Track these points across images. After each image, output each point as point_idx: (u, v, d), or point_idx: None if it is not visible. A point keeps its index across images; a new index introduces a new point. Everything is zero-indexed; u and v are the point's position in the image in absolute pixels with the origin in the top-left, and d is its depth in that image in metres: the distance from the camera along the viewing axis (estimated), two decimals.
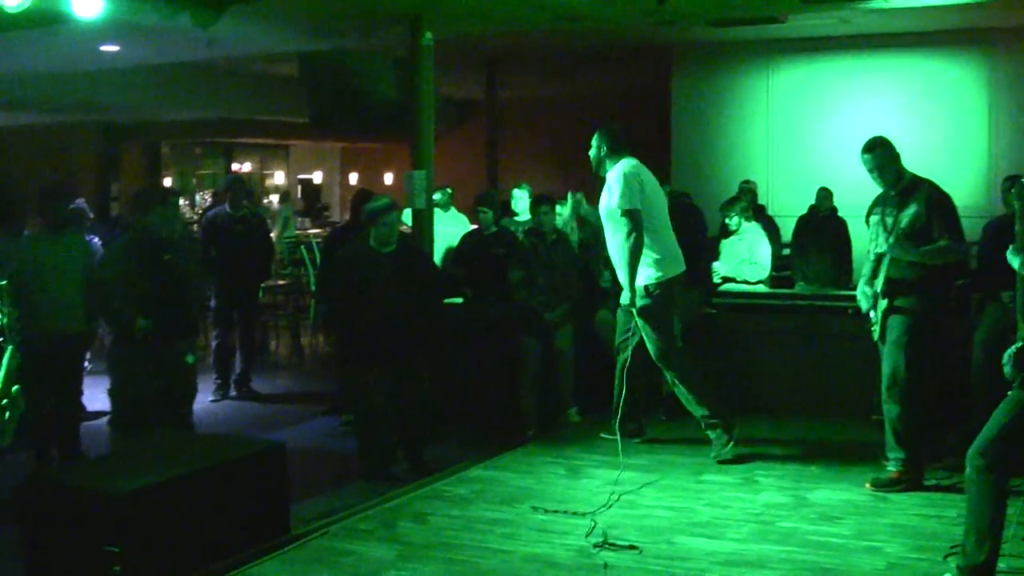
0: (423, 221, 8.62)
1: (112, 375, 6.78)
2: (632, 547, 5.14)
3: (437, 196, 9.28)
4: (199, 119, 18.79)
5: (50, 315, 6.75)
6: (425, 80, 8.57)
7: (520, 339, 7.78)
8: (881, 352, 6.10)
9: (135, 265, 6.53)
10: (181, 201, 13.07)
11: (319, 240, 12.75)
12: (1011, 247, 4.33)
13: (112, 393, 6.82)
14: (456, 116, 18.39)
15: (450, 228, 9.51)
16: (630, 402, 6.69)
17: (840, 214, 10.19)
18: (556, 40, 11.90)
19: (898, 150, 6.04)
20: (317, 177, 24.63)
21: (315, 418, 8.74)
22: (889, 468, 6.06)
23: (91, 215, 11.04)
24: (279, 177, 24.40)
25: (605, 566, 4.91)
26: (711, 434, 6.74)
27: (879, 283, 6.00)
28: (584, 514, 5.64)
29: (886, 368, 6.01)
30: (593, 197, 7.90)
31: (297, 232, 17.01)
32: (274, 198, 21.56)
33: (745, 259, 8.69)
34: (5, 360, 3.16)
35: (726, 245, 8.89)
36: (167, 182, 21.23)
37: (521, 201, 9.27)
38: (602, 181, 6.86)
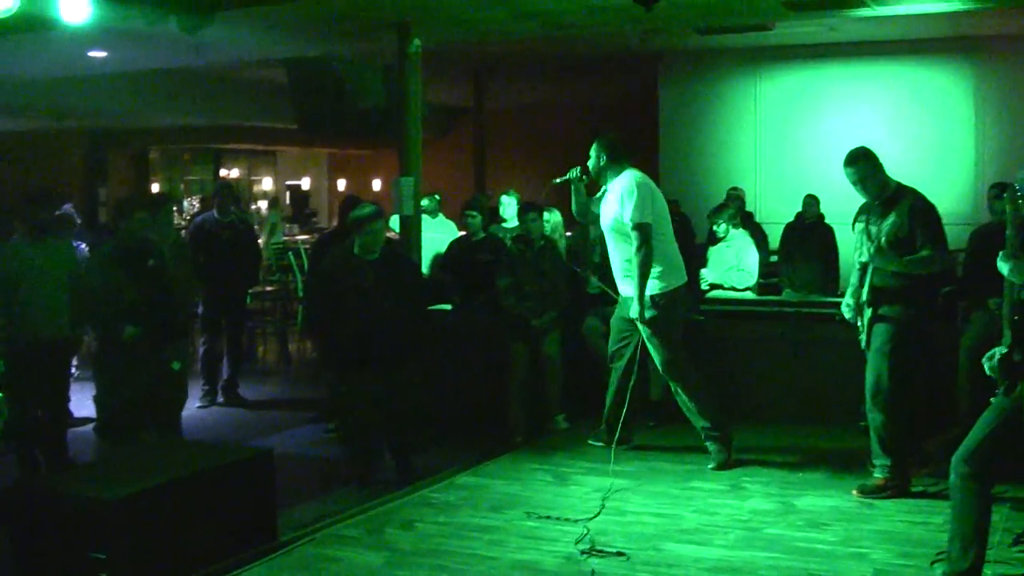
0: (411, 227, 8.63)
1: (98, 381, 6.77)
2: (620, 554, 5.14)
3: (425, 203, 9.30)
4: (187, 125, 18.75)
5: (36, 321, 6.72)
6: (413, 87, 8.58)
7: (508, 346, 7.78)
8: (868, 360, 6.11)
9: (119, 271, 6.52)
10: None
11: (307, 246, 12.75)
12: (1000, 253, 4.31)
13: (98, 400, 6.81)
14: (444, 123, 18.43)
15: (438, 234, 9.53)
16: (620, 411, 6.72)
17: (827, 221, 10.24)
18: (544, 48, 11.93)
19: (881, 159, 6.00)
20: (305, 183, 24.60)
21: (303, 424, 8.73)
22: (875, 475, 6.07)
23: (79, 221, 11.02)
24: (267, 183, 24.35)
25: (592, 573, 4.91)
26: (710, 446, 6.73)
27: (864, 291, 6.01)
28: (574, 521, 5.64)
29: (870, 376, 6.00)
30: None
31: (285, 238, 16.98)
32: (262, 204, 21.52)
33: (733, 266, 8.69)
34: None
35: (714, 252, 8.89)
36: (155, 188, 21.18)
37: (509, 207, 9.28)
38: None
